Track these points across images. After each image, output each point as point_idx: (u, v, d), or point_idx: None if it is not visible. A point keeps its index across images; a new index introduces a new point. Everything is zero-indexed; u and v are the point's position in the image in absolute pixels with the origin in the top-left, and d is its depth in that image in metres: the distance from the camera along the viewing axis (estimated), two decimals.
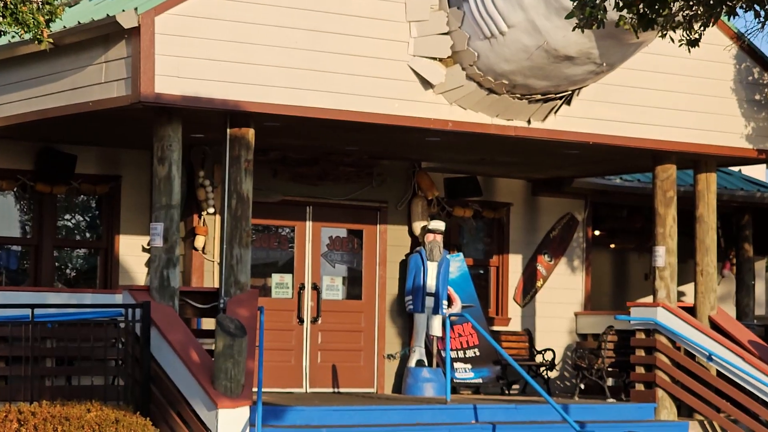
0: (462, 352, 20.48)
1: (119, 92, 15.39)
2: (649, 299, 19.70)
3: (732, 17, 11.61)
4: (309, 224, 20.56)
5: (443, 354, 19.40)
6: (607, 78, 17.33)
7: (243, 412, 14.40)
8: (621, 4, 9.52)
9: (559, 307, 22.41)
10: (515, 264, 22.39)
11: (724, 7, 9.19)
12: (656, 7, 9.32)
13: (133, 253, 19.20)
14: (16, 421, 13.58)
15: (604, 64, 16.50)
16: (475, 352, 20.58)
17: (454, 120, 17.01)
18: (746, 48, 19.03)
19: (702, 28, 9.62)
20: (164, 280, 15.60)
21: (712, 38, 18.34)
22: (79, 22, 15.67)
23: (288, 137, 18.05)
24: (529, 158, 20.05)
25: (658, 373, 19.03)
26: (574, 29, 10.19)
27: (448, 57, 16.62)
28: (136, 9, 15.07)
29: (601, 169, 21.43)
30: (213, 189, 19.21)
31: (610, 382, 20.52)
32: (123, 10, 15.14)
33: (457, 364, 20.25)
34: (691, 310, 19.35)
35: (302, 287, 20.38)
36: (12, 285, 18.48)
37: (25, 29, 12.10)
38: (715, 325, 19.15)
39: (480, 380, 20.62)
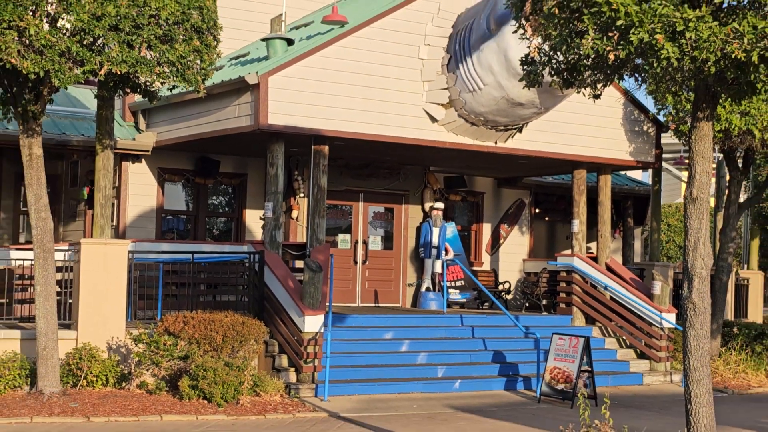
0: (453, 282, 20.54)
1: (246, 123, 15.45)
2: (569, 252, 19.75)
3: (620, 81, 11.55)
4: (361, 204, 20.54)
5: (442, 284, 19.49)
6: (545, 116, 17.30)
7: (320, 318, 14.47)
8: (552, 72, 9.47)
9: (513, 255, 22.41)
10: (486, 229, 22.38)
11: (615, 75, 9.13)
12: (574, 74, 9.29)
13: (254, 220, 19.24)
14: (182, 321, 13.82)
15: (543, 108, 16.44)
16: (461, 283, 20.64)
17: (450, 141, 16.99)
18: (630, 99, 18.96)
19: (602, 87, 9.58)
20: (273, 237, 15.69)
21: (609, 92, 18.45)
22: (222, 80, 15.76)
23: (350, 151, 18.02)
24: (496, 165, 20.02)
25: (574, 297, 19.04)
26: (524, 87, 10.14)
27: (447, 103, 16.52)
28: (257, 72, 15.15)
29: (540, 172, 21.39)
30: (303, 182, 19.24)
31: (544, 302, 20.56)
32: (249, 73, 15.24)
33: (450, 290, 20.30)
34: (595, 259, 19.36)
35: (356, 242, 20.41)
36: (180, 239, 18.65)
37: (189, 85, 12.16)
38: (609, 268, 19.14)
39: (464, 300, 20.68)
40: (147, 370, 13.70)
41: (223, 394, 12.90)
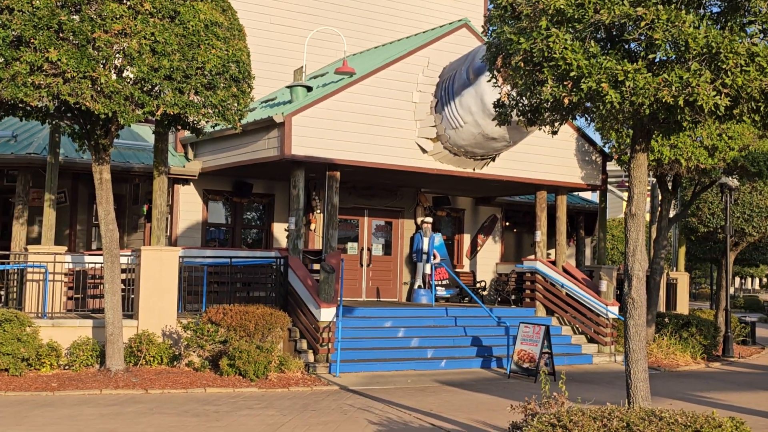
0: (440, 281, 20.49)
1: (274, 153, 15.43)
2: (533, 257, 19.70)
3: (574, 120, 11.58)
4: (366, 218, 20.50)
5: (431, 282, 19.46)
6: (513, 148, 17.26)
7: (332, 310, 14.43)
8: (519, 113, 9.49)
9: (488, 260, 22.35)
10: (467, 239, 22.31)
11: (570, 115, 9.16)
12: (536, 115, 9.31)
13: (280, 231, 19.21)
14: (222, 313, 13.71)
15: (512, 142, 16.43)
16: (446, 282, 20.59)
17: (437, 168, 16.94)
18: (581, 134, 18.91)
19: (559, 125, 9.59)
20: (295, 245, 15.63)
21: (565, 129, 18.43)
22: (254, 119, 15.72)
23: (357, 175, 17.99)
24: (474, 187, 19.95)
25: (537, 294, 18.92)
26: (496, 125, 10.18)
27: (435, 137, 16.50)
28: (282, 113, 15.14)
29: (509, 192, 21.29)
30: (319, 201, 19.22)
31: (513, 297, 20.48)
32: (276, 114, 15.21)
33: (438, 288, 20.26)
34: (554, 262, 19.24)
35: (362, 249, 20.35)
36: (220, 247, 18.60)
37: (228, 123, 12.20)
38: (565, 270, 19.04)
39: (449, 296, 20.61)
40: (194, 352, 13.66)
41: (255, 371, 12.88)
